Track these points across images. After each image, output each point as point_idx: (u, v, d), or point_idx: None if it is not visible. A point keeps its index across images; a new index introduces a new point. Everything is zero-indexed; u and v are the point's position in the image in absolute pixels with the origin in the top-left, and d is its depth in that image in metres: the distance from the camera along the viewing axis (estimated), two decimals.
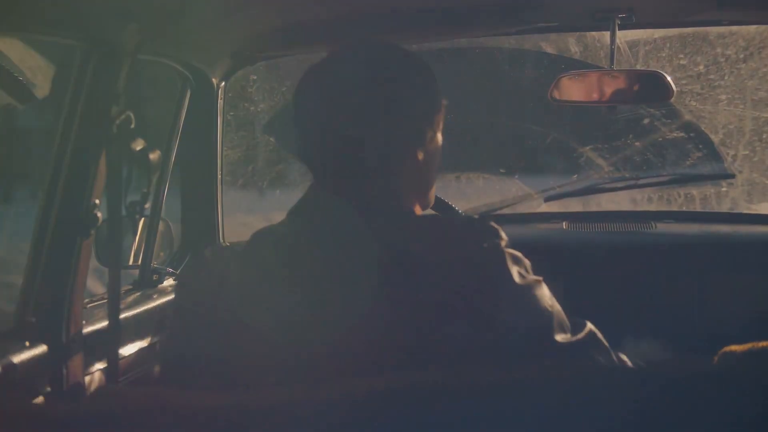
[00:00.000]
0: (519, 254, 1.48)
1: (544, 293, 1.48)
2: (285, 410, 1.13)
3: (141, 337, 1.98)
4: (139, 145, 1.68)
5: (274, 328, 1.37)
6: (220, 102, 2.38)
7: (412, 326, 1.36)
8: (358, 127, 1.41)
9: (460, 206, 2.31)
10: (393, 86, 1.45)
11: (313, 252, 1.41)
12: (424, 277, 1.39)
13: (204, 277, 1.50)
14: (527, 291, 1.45)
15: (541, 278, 1.49)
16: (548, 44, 3.56)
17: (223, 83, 2.38)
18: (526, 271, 1.48)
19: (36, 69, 1.92)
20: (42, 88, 1.93)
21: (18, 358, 1.57)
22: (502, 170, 4.12)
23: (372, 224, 1.41)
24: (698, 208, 3.67)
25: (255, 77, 2.94)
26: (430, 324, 1.37)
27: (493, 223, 1.47)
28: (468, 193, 4.23)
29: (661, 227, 2.85)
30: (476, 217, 1.70)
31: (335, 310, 1.37)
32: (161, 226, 2.16)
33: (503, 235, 1.46)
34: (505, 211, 3.13)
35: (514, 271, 1.44)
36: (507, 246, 1.46)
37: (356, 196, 1.43)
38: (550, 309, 1.46)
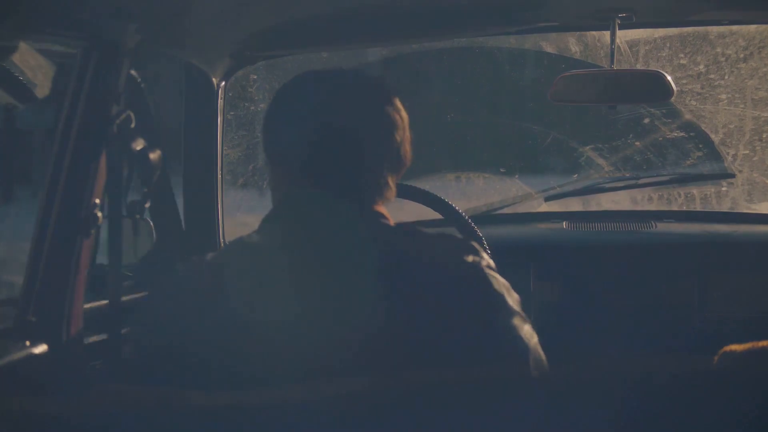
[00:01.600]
0: (505, 282, 1.47)
1: (525, 326, 1.44)
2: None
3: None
4: (139, 145, 1.69)
5: (257, 340, 1.36)
6: (220, 102, 2.38)
7: (392, 335, 1.36)
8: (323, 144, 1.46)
9: (461, 206, 2.31)
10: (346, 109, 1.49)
11: (293, 263, 1.41)
12: (404, 288, 1.38)
13: (176, 294, 1.49)
14: (509, 315, 1.43)
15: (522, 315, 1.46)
16: (548, 44, 3.56)
17: (224, 83, 2.38)
18: (513, 300, 1.46)
19: (36, 68, 1.92)
20: (42, 88, 1.93)
21: (18, 358, 1.57)
22: (502, 170, 4.12)
23: (351, 235, 1.41)
24: (698, 208, 3.67)
25: (255, 77, 2.94)
26: (407, 333, 1.36)
27: (474, 243, 1.48)
28: (468, 193, 4.22)
29: (662, 227, 2.85)
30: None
31: (320, 320, 1.36)
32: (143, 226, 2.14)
33: (485, 256, 1.46)
34: (506, 210, 3.13)
35: (501, 289, 1.43)
36: (490, 267, 1.46)
37: (330, 207, 1.45)
38: (527, 340, 1.42)
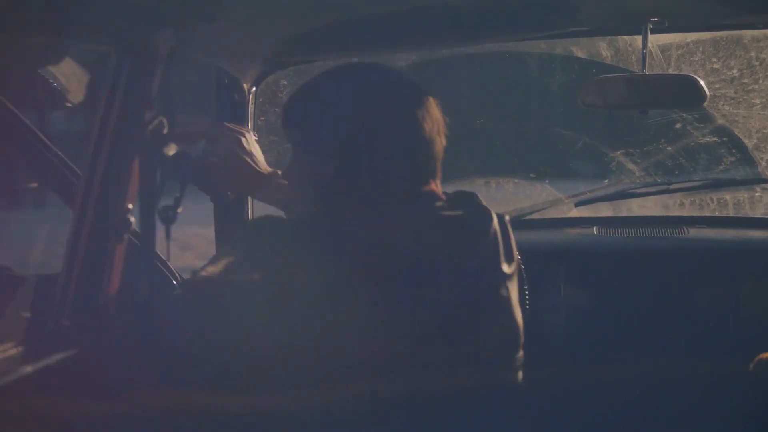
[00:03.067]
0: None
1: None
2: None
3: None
4: (171, 150, 1.70)
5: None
6: (251, 107, 2.39)
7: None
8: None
9: (492, 209, 2.30)
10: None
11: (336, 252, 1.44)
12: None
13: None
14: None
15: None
16: (579, 48, 3.54)
17: (254, 88, 2.39)
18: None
19: (70, 74, 1.94)
20: (76, 93, 1.95)
21: (52, 362, 1.59)
22: (532, 175, 4.10)
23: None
24: (731, 213, 3.63)
25: (285, 82, 2.95)
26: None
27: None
28: (498, 198, 4.21)
29: (694, 232, 2.82)
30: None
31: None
32: None
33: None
34: (536, 215, 3.12)
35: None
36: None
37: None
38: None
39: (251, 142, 1.90)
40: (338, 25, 1.98)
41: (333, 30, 2.02)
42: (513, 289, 1.60)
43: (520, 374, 1.55)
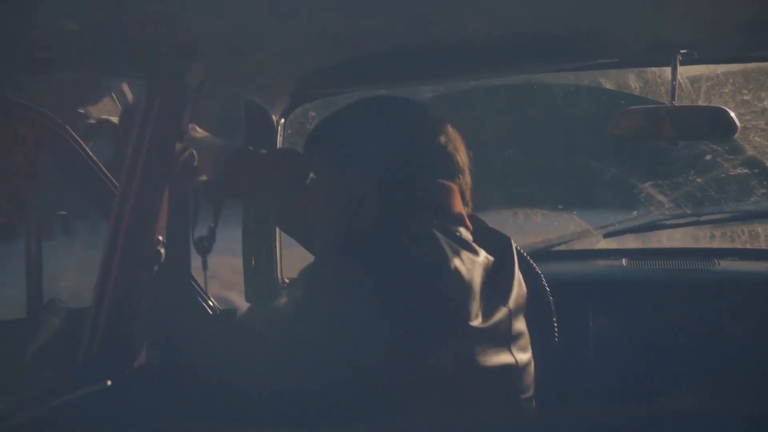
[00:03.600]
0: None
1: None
2: None
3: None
4: (202, 180, 1.71)
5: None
6: (279, 138, 2.41)
7: None
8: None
9: (519, 242, 2.30)
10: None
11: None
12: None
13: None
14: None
15: None
16: (607, 80, 3.54)
17: (283, 120, 2.41)
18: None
19: (102, 105, 1.96)
20: (108, 125, 1.98)
21: (83, 393, 1.59)
22: (560, 206, 4.09)
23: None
24: (763, 246, 3.59)
25: (314, 114, 2.97)
26: None
27: None
28: (526, 229, 4.20)
29: (725, 265, 2.79)
30: None
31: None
32: None
33: None
34: (564, 247, 3.10)
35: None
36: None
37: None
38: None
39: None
40: (366, 57, 1.99)
41: (360, 62, 2.04)
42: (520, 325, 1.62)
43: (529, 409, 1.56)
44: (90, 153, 2.05)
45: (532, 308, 1.75)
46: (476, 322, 1.51)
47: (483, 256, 1.59)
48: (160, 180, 1.71)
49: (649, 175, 3.77)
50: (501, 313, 1.58)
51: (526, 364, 1.62)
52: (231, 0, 1.38)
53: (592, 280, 2.79)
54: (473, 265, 1.54)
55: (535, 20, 1.65)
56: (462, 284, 1.50)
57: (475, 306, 1.52)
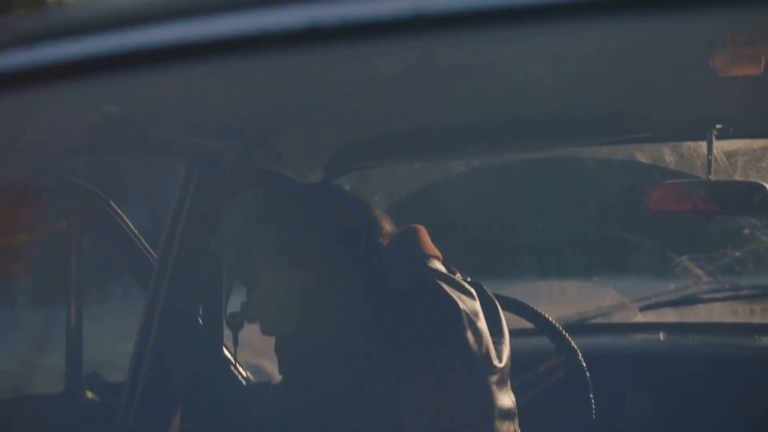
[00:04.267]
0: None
1: None
2: None
3: None
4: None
5: None
6: None
7: None
8: None
9: (553, 313, 2.28)
10: None
11: None
12: None
13: None
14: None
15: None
16: (642, 154, 3.53)
17: None
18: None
19: (140, 183, 2.00)
20: (144, 202, 2.01)
21: None
22: (595, 278, 4.05)
23: None
24: None
25: (349, 187, 3.00)
26: None
27: None
28: (561, 301, 4.16)
29: (767, 341, 2.74)
30: None
31: None
32: None
33: None
34: (599, 320, 3.07)
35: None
36: None
37: None
38: None
39: None
40: (398, 133, 2.01)
41: (393, 137, 2.06)
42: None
43: None
44: (130, 224, 2.08)
45: (567, 383, 1.73)
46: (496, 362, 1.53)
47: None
48: (196, 255, 1.73)
49: (686, 248, 3.74)
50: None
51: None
52: (267, 81, 1.40)
53: (629, 354, 2.76)
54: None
55: (570, 100, 1.67)
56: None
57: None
